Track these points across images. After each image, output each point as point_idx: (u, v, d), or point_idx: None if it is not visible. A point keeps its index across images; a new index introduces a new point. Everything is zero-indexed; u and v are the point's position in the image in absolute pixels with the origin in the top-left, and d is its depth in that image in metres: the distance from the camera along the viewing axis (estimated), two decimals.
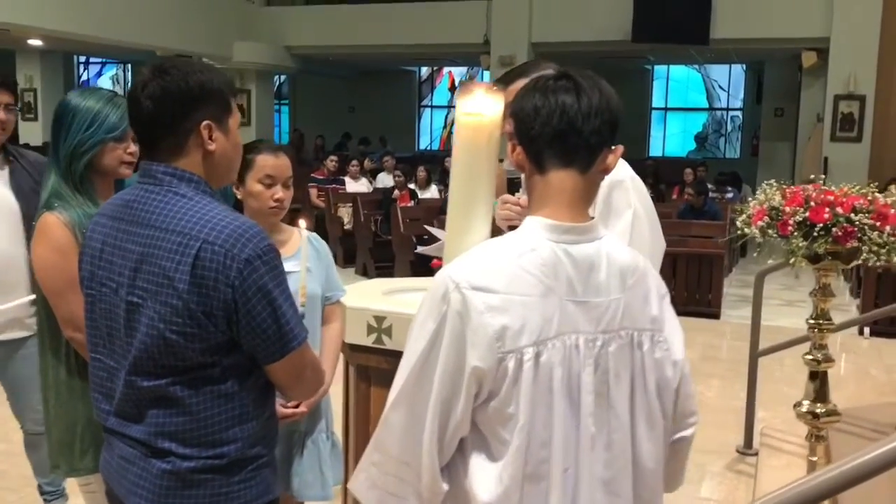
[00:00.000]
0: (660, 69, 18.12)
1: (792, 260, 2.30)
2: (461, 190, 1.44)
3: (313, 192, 10.00)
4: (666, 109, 18.47)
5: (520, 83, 2.04)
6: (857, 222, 2.22)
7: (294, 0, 15.60)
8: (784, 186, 2.39)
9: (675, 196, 10.94)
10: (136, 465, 1.55)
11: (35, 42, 14.32)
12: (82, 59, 20.24)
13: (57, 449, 2.13)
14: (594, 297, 1.36)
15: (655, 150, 18.35)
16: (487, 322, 1.28)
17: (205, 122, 1.55)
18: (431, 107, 19.82)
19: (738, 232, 2.43)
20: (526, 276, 1.31)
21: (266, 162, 2.37)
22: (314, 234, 2.61)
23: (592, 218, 1.42)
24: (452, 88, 19.74)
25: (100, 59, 20.45)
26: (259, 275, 1.48)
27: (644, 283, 1.43)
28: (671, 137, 18.50)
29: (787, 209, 2.26)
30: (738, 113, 18.15)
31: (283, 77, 18.77)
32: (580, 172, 1.39)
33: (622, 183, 2.01)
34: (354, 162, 10.44)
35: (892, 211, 2.20)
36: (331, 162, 10.39)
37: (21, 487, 3.49)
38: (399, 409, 1.35)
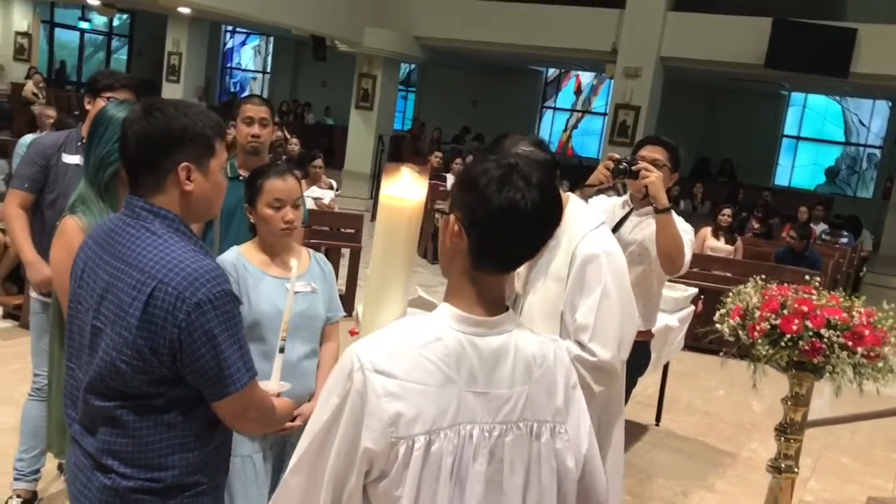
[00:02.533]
0: (796, 96, 17.28)
1: (754, 367, 2.19)
2: (377, 268, 1.48)
3: None
4: (798, 138, 17.61)
5: None
6: (827, 339, 2.11)
7: None
8: (768, 287, 2.30)
9: (784, 233, 10.47)
10: (84, 474, 1.69)
11: (184, 10, 15.10)
12: (229, 28, 21.19)
13: (54, 430, 2.32)
14: (496, 388, 1.40)
15: (781, 178, 17.56)
16: (384, 407, 1.33)
17: (183, 164, 1.66)
18: (554, 108, 19.65)
19: (716, 325, 2.35)
20: (427, 365, 1.35)
21: (274, 186, 2.50)
22: (321, 256, 2.72)
23: (507, 309, 1.45)
24: (578, 92, 19.51)
25: (245, 30, 21.36)
26: (206, 319, 1.57)
27: (551, 374, 1.45)
28: (800, 168, 17.64)
29: (761, 313, 2.17)
30: (877, 151, 17.08)
31: (412, 65, 19.07)
32: (501, 275, 1.43)
33: (597, 258, 2.00)
34: (459, 160, 10.53)
35: (868, 333, 2.06)
36: (435, 158, 10.54)
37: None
38: (299, 474, 1.42)
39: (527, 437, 1.42)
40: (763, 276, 2.44)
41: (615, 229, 3.04)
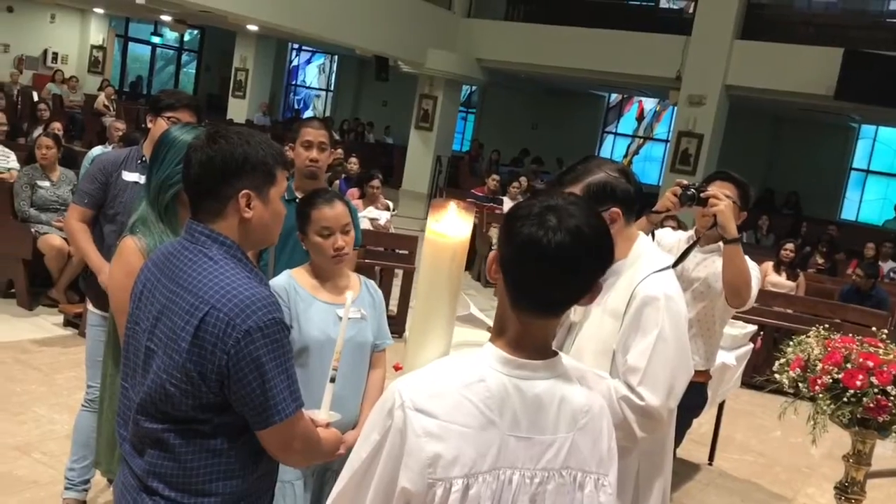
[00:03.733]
0: (866, 128, 16.80)
1: (813, 423, 2.08)
2: (422, 304, 1.46)
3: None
4: (867, 172, 17.12)
5: (572, 189, 2.02)
6: (894, 397, 1.99)
7: (494, 14, 15.86)
8: (831, 337, 2.18)
9: (850, 270, 10.14)
10: (130, 494, 1.70)
11: (252, 27, 15.45)
12: (295, 46, 21.60)
13: (103, 447, 2.34)
14: (539, 433, 1.36)
15: (848, 213, 17.06)
16: (423, 447, 1.30)
17: (243, 192, 1.67)
18: (615, 133, 19.50)
19: (775, 374, 2.24)
20: (468, 407, 1.32)
21: (322, 214, 2.51)
22: (371, 283, 2.71)
23: (555, 354, 1.41)
24: (640, 118, 19.32)
25: (310, 49, 21.74)
26: (255, 347, 1.57)
27: (596, 424, 1.42)
28: (868, 202, 17.12)
29: (823, 366, 2.06)
30: None
31: (473, 87, 19.14)
32: (550, 320, 1.39)
33: (655, 301, 1.94)
34: (516, 183, 10.48)
35: None
36: (492, 181, 10.50)
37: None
38: None
39: (570, 486, 1.38)
40: (826, 325, 2.33)
41: (677, 263, 2.96)
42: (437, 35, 14.72)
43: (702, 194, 2.76)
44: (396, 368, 2.41)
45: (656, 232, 3.12)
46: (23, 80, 15.85)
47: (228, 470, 1.65)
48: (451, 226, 1.41)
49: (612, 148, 19.45)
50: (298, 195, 3.21)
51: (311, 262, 2.64)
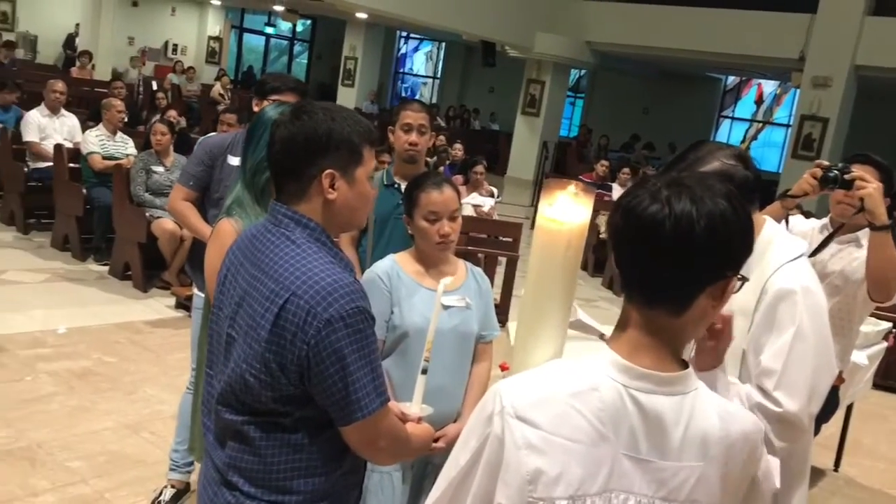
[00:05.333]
0: None
1: None
2: (530, 299, 1.30)
3: None
4: None
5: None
6: None
7: None
8: None
9: None
10: (212, 488, 1.63)
11: (361, 15, 15.59)
12: (403, 34, 21.70)
13: (196, 433, 2.30)
14: (660, 458, 1.17)
15: None
16: (522, 460, 1.15)
17: (327, 171, 1.56)
18: (732, 118, 18.69)
19: None
20: (576, 419, 1.15)
21: (430, 198, 2.38)
22: (478, 270, 2.57)
23: (686, 365, 1.21)
24: (759, 101, 18.43)
25: (418, 36, 21.80)
26: (337, 337, 1.46)
27: (734, 455, 1.21)
28: None
29: None
30: None
31: (582, 71, 18.74)
32: (671, 315, 1.19)
33: (792, 295, 1.71)
34: (626, 169, 10.13)
35: None
36: (601, 167, 10.18)
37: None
38: None
39: None
40: None
41: (813, 254, 2.70)
42: (546, 18, 14.43)
43: (846, 176, 2.47)
44: (503, 368, 2.27)
45: (789, 218, 2.86)
46: (145, 70, 16.53)
47: (310, 466, 1.56)
48: (566, 210, 1.24)
49: (729, 133, 18.65)
50: (397, 180, 3.11)
51: (415, 246, 2.54)
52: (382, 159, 6.70)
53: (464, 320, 2.44)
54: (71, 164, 6.75)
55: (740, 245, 1.20)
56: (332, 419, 1.54)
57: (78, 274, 6.21)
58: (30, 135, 7.03)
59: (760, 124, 18.42)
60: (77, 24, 16.38)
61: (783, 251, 1.81)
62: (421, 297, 2.42)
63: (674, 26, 13.64)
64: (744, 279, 1.28)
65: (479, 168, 7.38)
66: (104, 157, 6.61)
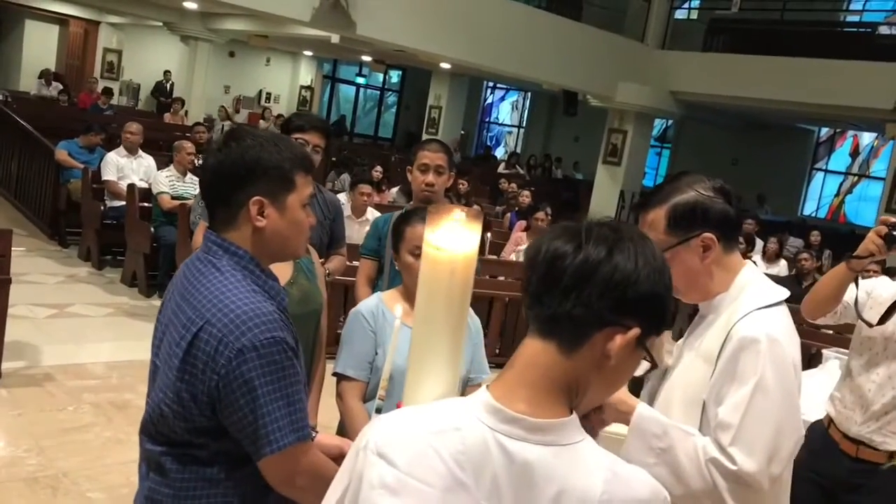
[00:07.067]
0: None
1: None
2: (418, 336, 1.22)
3: None
4: None
5: (658, 212, 1.72)
6: None
7: (690, 45, 15.20)
8: None
9: None
10: None
11: (444, 66, 15.84)
12: (490, 84, 21.91)
13: None
14: None
15: None
16: (376, 501, 1.05)
17: (255, 198, 1.54)
18: (826, 171, 17.95)
19: None
20: (433, 460, 1.04)
21: (416, 233, 2.33)
22: (469, 309, 2.49)
23: (570, 413, 1.09)
24: (855, 153, 17.67)
25: (505, 86, 21.97)
26: (249, 368, 1.42)
27: None
28: None
29: None
30: None
31: (669, 121, 18.44)
32: (560, 351, 1.08)
33: (755, 343, 1.57)
34: None
35: None
36: None
37: None
38: None
39: None
40: None
41: (885, 317, 2.50)
42: (629, 68, 14.30)
43: None
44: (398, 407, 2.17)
45: (867, 282, 2.64)
46: (239, 118, 17.22)
47: (227, 503, 1.50)
48: (451, 237, 1.17)
49: (822, 186, 17.92)
50: None
51: (402, 284, 2.48)
52: (363, 191, 6.69)
53: None
54: (142, 204, 7.03)
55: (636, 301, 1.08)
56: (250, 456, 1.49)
57: (141, 309, 6.41)
58: (108, 174, 7.38)
59: (856, 177, 17.63)
60: (165, 72, 17.26)
61: (756, 297, 1.68)
62: (406, 337, 2.36)
63: (763, 77, 13.26)
64: (652, 360, 1.17)
65: (541, 214, 7.28)
66: (173, 198, 6.85)
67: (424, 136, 18.42)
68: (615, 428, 1.67)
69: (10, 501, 3.39)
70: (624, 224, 1.14)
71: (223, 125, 13.74)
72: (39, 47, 17.30)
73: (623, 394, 1.67)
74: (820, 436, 2.66)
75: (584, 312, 1.06)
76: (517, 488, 1.03)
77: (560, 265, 1.08)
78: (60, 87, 15.10)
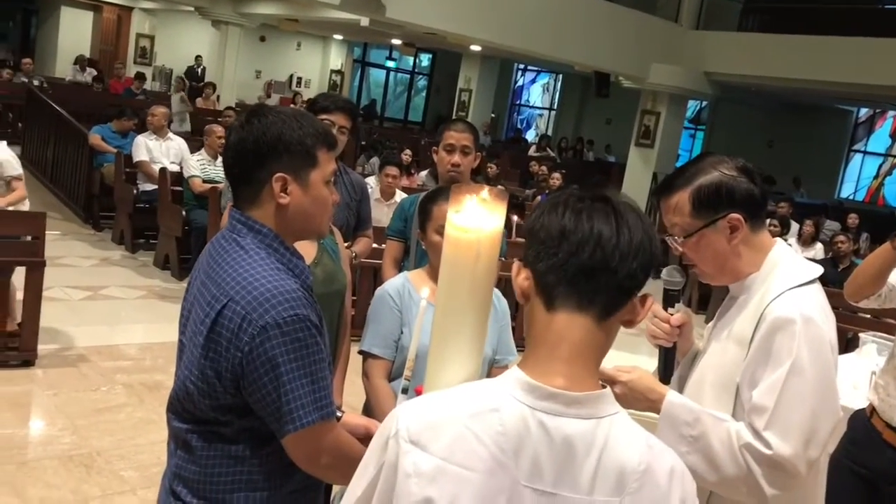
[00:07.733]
0: None
1: None
2: (440, 317, 1.20)
3: None
4: None
5: (682, 195, 1.67)
6: None
7: (725, 25, 14.94)
8: None
9: None
10: (163, 497, 1.60)
11: (474, 48, 15.73)
12: (521, 66, 21.74)
13: None
14: (569, 490, 1.03)
15: None
16: (412, 490, 1.03)
17: (277, 175, 1.52)
18: (864, 152, 17.59)
19: None
20: (472, 443, 1.03)
21: (442, 211, 2.30)
22: (496, 290, 2.47)
23: (604, 387, 1.09)
24: (895, 135, 17.29)
25: (535, 68, 21.79)
26: (272, 345, 1.41)
27: (657, 494, 1.05)
28: None
29: None
30: None
31: (703, 102, 18.17)
32: (596, 320, 1.08)
33: (790, 324, 1.52)
34: None
35: None
36: None
37: None
38: None
39: None
40: None
41: None
42: (662, 49, 14.09)
43: None
44: (418, 393, 2.14)
45: None
46: (271, 102, 17.29)
47: (252, 480, 1.50)
48: (475, 217, 1.14)
49: (861, 167, 17.57)
50: None
51: (428, 263, 2.46)
52: (389, 172, 6.66)
53: None
54: (174, 187, 7.08)
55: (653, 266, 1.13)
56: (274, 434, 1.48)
57: (173, 292, 6.46)
58: (140, 155, 7.44)
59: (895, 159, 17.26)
60: (196, 57, 17.34)
61: (788, 275, 1.63)
62: (432, 316, 2.34)
63: (800, 56, 12.99)
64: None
65: None
66: (204, 181, 6.89)
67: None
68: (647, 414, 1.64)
69: (46, 478, 3.45)
70: (610, 192, 1.15)
71: None
72: (74, 34, 17.52)
73: (652, 381, 1.64)
74: (862, 425, 2.59)
75: (631, 283, 1.09)
76: (558, 464, 1.04)
77: (608, 246, 1.08)
78: (95, 72, 15.27)
